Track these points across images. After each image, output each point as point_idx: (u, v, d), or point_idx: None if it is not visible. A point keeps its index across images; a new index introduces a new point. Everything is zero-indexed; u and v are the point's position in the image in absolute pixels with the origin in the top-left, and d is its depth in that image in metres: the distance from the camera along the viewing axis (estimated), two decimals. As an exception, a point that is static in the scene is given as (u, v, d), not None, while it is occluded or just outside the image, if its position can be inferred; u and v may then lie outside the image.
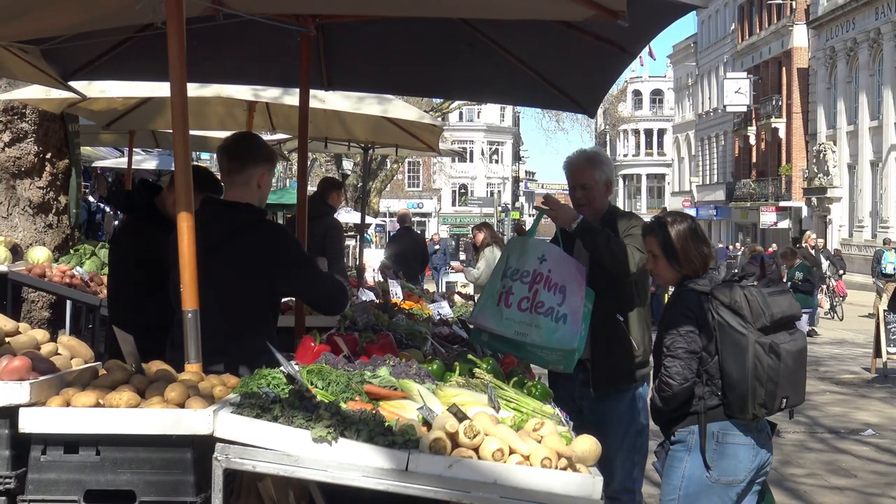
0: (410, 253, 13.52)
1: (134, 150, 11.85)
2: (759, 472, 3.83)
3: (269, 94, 7.27)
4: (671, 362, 3.71)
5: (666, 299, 3.95)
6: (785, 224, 44.31)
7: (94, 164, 15.09)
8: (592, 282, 4.39)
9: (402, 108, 7.86)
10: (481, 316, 4.31)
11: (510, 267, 4.34)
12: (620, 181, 75.78)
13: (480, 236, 12.10)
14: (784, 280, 14.62)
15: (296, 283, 3.87)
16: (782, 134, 45.65)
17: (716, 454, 3.74)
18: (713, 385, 3.74)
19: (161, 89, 6.49)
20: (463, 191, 69.72)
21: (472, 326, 4.56)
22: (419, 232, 26.08)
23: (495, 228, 32.92)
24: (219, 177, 4.71)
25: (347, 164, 28.66)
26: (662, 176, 73.23)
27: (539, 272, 4.29)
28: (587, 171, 4.69)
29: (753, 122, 48.32)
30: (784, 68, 45.88)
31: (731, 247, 42.25)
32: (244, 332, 3.66)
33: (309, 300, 4.24)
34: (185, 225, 3.31)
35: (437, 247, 29.29)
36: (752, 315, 3.65)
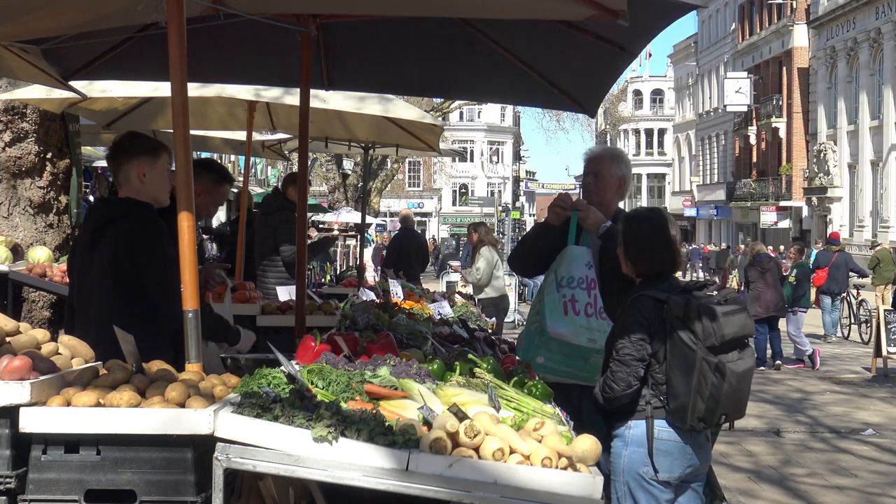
0: (412, 253, 13.63)
1: (134, 149, 11.83)
2: (696, 472, 3.87)
3: (270, 93, 7.26)
4: (618, 367, 3.74)
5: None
6: (785, 224, 44.34)
7: (94, 164, 15.09)
8: (606, 286, 4.41)
9: (402, 108, 7.86)
10: (555, 326, 4.31)
11: (562, 276, 4.39)
12: (621, 181, 75.65)
13: (475, 236, 12.44)
14: (787, 274, 14.81)
15: (145, 281, 3.70)
16: (783, 133, 45.65)
17: (654, 451, 3.77)
18: (658, 390, 3.77)
19: (162, 89, 6.49)
20: (463, 190, 69.71)
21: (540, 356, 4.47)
22: (420, 232, 26.08)
23: (495, 228, 32.85)
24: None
25: (348, 164, 28.68)
26: (663, 175, 73.22)
27: (591, 278, 4.35)
28: (605, 161, 4.75)
29: (754, 121, 48.32)
30: (784, 68, 45.88)
31: (739, 247, 42.48)
32: (122, 324, 3.35)
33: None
34: (185, 225, 3.31)
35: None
36: (703, 333, 3.65)
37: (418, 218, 67.31)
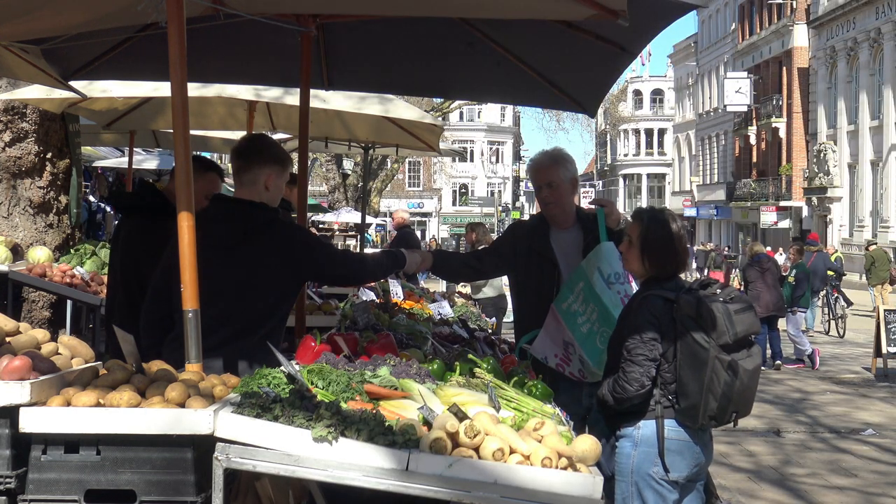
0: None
1: (134, 149, 11.85)
2: (701, 470, 3.88)
3: (270, 93, 7.26)
4: (631, 367, 3.73)
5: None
6: (785, 224, 44.34)
7: (94, 164, 15.10)
8: None
9: (402, 108, 7.86)
10: None
11: (608, 273, 4.40)
12: (621, 181, 75.80)
13: (473, 236, 12.59)
14: (786, 274, 14.92)
15: (326, 268, 3.91)
16: (783, 133, 45.65)
17: (664, 451, 3.77)
18: (666, 389, 3.77)
19: (162, 89, 6.50)
20: (463, 190, 69.71)
21: (578, 373, 4.46)
22: (414, 232, 26.05)
23: (495, 228, 32.89)
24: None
25: (348, 164, 28.70)
26: (663, 175, 73.22)
27: (627, 272, 4.38)
28: (552, 169, 4.71)
29: (754, 121, 48.32)
30: (784, 68, 45.88)
31: (719, 247, 43.02)
32: (260, 326, 3.67)
33: (341, 279, 4.58)
34: (185, 224, 3.31)
35: None
36: (717, 332, 3.65)
37: (418, 218, 67.35)
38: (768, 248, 26.27)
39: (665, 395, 3.76)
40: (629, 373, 3.73)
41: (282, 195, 3.95)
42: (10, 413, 2.76)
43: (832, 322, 19.52)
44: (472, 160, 68.81)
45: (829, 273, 19.65)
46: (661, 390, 3.76)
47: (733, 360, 3.65)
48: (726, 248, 46.26)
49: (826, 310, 19.72)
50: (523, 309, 4.84)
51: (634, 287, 4.36)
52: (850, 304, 20.08)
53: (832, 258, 23.38)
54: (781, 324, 14.60)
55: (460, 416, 2.75)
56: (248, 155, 3.84)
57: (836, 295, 19.86)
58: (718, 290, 3.80)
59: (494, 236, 15.38)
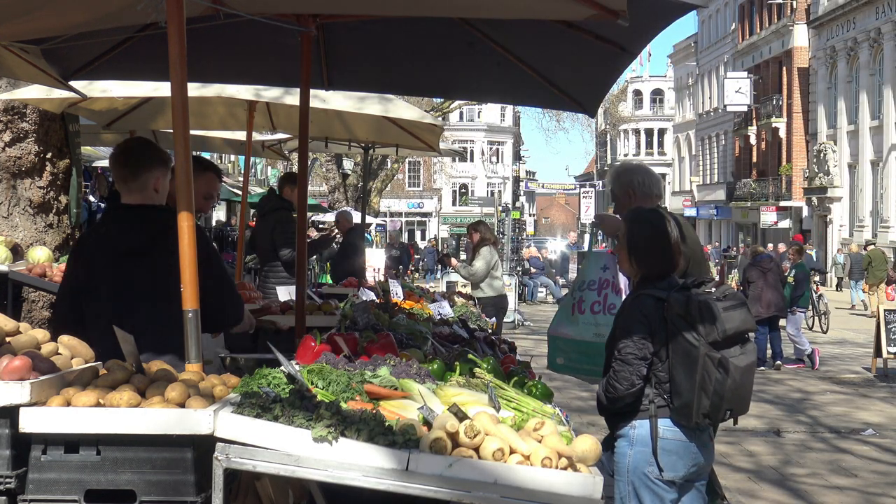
0: (357, 258, 13.76)
1: (134, 149, 11.83)
2: (700, 471, 3.88)
3: (270, 93, 7.27)
4: (620, 366, 3.75)
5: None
6: (785, 224, 44.33)
7: (94, 164, 15.11)
8: None
9: (402, 108, 7.86)
10: (559, 327, 4.43)
11: (580, 281, 4.60)
12: (621, 181, 75.72)
13: (476, 236, 12.21)
14: (786, 274, 14.95)
15: (214, 281, 3.68)
16: (783, 133, 45.65)
17: (658, 450, 3.78)
18: (661, 388, 3.78)
19: (162, 89, 6.50)
20: (463, 190, 69.68)
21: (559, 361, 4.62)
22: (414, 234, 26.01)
23: (495, 228, 32.84)
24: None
25: (348, 164, 28.68)
26: (663, 175, 73.09)
27: (604, 279, 4.48)
28: (611, 188, 5.01)
29: (754, 121, 48.31)
30: (784, 68, 45.88)
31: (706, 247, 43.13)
32: (177, 328, 3.48)
33: (218, 310, 3.83)
34: (185, 224, 3.31)
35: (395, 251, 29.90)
36: (705, 329, 3.65)
37: (418, 218, 67.34)
38: (771, 247, 26.42)
39: (660, 395, 3.77)
40: (619, 372, 3.75)
41: (167, 194, 3.87)
42: (10, 413, 2.75)
43: (815, 318, 20.21)
44: (472, 160, 68.78)
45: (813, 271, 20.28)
46: (656, 389, 3.77)
47: (723, 356, 3.65)
48: (731, 248, 46.29)
49: (810, 307, 20.17)
50: None
51: (599, 295, 4.46)
52: None
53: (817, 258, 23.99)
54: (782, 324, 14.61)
55: (460, 416, 2.76)
56: (133, 162, 3.80)
57: (818, 293, 20.48)
58: (713, 289, 3.81)
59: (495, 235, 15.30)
